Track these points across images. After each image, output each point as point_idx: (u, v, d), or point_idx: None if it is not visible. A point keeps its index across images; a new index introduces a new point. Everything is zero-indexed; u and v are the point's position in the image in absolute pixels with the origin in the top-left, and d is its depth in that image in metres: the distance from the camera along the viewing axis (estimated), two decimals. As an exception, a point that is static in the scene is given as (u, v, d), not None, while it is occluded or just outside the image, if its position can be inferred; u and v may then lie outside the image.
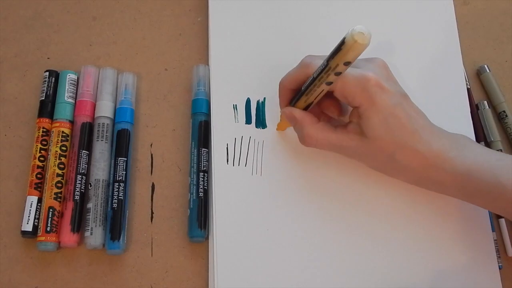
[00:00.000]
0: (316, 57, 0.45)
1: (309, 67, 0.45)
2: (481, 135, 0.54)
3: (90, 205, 0.48)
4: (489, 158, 0.44)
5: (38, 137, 0.50)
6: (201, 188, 0.49)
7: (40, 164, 0.49)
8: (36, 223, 0.47)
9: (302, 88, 0.46)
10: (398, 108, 0.44)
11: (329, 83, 0.43)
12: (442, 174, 0.44)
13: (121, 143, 0.50)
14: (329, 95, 0.46)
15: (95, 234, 0.47)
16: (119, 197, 0.48)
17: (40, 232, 0.47)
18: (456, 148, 0.44)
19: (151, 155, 0.52)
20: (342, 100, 0.46)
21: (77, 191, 0.48)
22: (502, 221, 0.52)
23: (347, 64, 0.40)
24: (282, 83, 0.48)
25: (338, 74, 0.41)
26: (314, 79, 0.43)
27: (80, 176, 0.49)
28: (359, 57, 0.40)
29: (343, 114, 0.48)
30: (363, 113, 0.44)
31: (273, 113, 0.52)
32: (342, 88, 0.44)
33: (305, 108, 0.47)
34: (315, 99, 0.45)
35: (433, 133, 0.45)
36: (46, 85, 0.52)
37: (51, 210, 0.47)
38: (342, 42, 0.39)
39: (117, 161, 0.49)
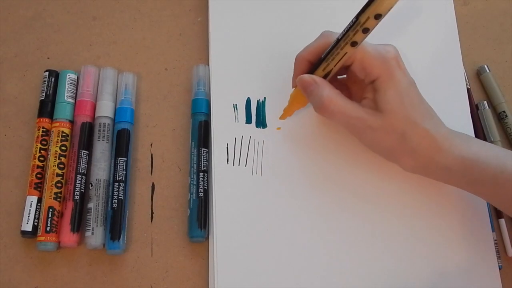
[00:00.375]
0: (335, 32, 0.45)
1: (330, 37, 0.45)
2: (481, 135, 0.54)
3: (91, 205, 0.48)
4: (494, 148, 0.46)
5: (38, 137, 0.50)
6: (201, 188, 0.49)
7: (40, 164, 0.49)
8: (36, 223, 0.47)
9: (322, 56, 0.46)
10: (411, 88, 0.45)
11: (355, 44, 0.43)
12: (449, 158, 0.44)
13: (121, 143, 0.50)
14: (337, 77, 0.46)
15: (96, 234, 0.47)
16: (119, 197, 0.48)
17: (40, 232, 0.47)
18: (461, 138, 0.46)
19: (151, 155, 0.52)
20: (359, 74, 0.46)
21: (77, 191, 0.48)
22: (502, 221, 0.52)
23: (378, 17, 0.40)
24: (299, 55, 0.48)
25: (366, 31, 0.42)
26: (338, 41, 0.43)
27: (80, 176, 0.49)
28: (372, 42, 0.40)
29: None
30: (380, 86, 0.45)
31: (273, 113, 0.52)
32: (362, 58, 0.45)
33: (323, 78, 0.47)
34: (335, 65, 0.45)
35: (440, 121, 0.46)
36: (46, 85, 0.52)
37: (51, 210, 0.47)
38: None
39: (117, 161, 0.49)
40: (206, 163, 0.50)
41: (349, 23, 0.42)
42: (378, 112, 0.45)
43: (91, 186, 0.49)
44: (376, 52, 0.45)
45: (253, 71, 0.53)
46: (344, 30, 0.43)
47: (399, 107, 0.44)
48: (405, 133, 0.45)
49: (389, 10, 0.40)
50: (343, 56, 0.44)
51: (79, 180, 0.49)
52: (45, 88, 0.52)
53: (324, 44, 0.46)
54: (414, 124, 0.44)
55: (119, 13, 0.57)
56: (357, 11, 0.42)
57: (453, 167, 0.45)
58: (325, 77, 0.46)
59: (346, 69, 0.47)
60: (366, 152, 0.50)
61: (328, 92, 0.45)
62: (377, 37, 0.44)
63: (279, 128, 0.52)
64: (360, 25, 0.41)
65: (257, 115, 0.52)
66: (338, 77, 0.50)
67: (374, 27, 0.42)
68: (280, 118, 0.51)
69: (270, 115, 0.52)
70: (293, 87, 0.50)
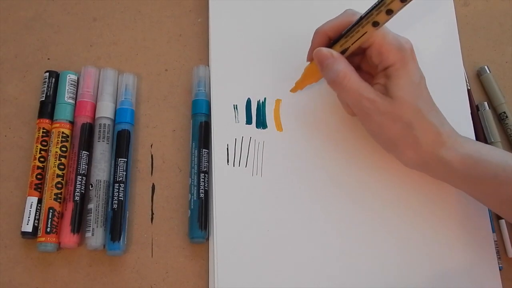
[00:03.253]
0: (359, 12, 0.46)
1: (353, 16, 0.46)
2: (481, 136, 0.54)
3: (91, 205, 0.48)
4: (495, 148, 0.47)
5: (38, 137, 0.50)
6: (202, 189, 0.49)
7: (40, 164, 0.49)
8: (36, 224, 0.47)
9: (342, 32, 0.46)
10: (422, 83, 0.46)
11: (376, 24, 0.43)
12: (452, 153, 0.45)
13: (121, 144, 0.50)
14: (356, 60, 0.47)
15: (97, 235, 0.47)
16: (119, 198, 0.48)
17: (40, 233, 0.47)
18: (464, 138, 0.46)
19: (152, 155, 0.52)
20: (374, 58, 0.46)
21: (77, 192, 0.48)
22: (503, 222, 0.52)
23: (404, 0, 0.41)
24: (318, 29, 0.48)
25: (389, 12, 0.42)
26: (361, 19, 0.44)
27: (80, 177, 0.49)
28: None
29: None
30: (393, 73, 0.45)
31: (273, 113, 0.52)
32: (380, 42, 0.45)
33: None
34: (353, 43, 0.45)
35: (445, 119, 0.47)
36: (46, 85, 0.52)
37: (51, 210, 0.47)
38: None
39: (117, 161, 0.49)
40: (207, 164, 0.50)
41: (375, 3, 0.43)
42: (389, 98, 0.45)
43: (91, 187, 0.49)
44: (394, 39, 0.45)
45: (253, 71, 0.53)
46: (368, 9, 0.43)
47: (409, 96, 0.45)
48: (411, 123, 0.45)
49: None
50: (363, 34, 0.45)
51: (79, 181, 0.49)
52: (45, 89, 0.52)
53: (346, 22, 0.46)
54: (421, 116, 0.45)
55: (119, 14, 0.57)
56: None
57: (455, 163, 0.45)
58: (341, 53, 0.47)
59: (361, 54, 0.48)
60: (366, 153, 0.51)
61: (344, 67, 0.46)
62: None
63: (280, 130, 0.52)
64: (385, 5, 0.42)
65: (257, 115, 0.52)
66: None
67: (399, 10, 0.42)
68: (291, 91, 0.52)
69: (271, 116, 0.52)
70: (308, 60, 0.50)
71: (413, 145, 0.45)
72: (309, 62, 0.50)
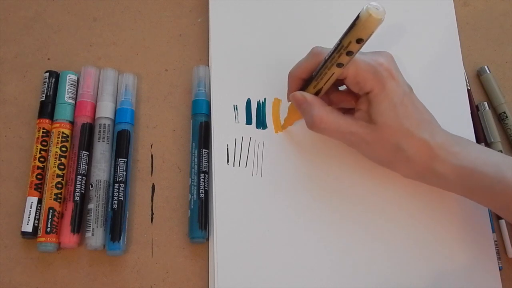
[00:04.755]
0: (325, 48, 0.46)
1: (319, 55, 0.45)
2: (481, 136, 0.54)
3: (91, 205, 0.48)
4: (492, 155, 0.46)
5: (38, 138, 0.50)
6: (202, 189, 0.49)
7: (40, 165, 0.49)
8: (36, 224, 0.47)
9: (313, 74, 0.46)
10: (406, 98, 0.45)
11: (340, 65, 0.43)
12: (446, 166, 0.44)
13: (121, 144, 0.50)
14: (338, 88, 0.47)
15: (96, 235, 0.47)
16: (119, 198, 0.48)
17: (40, 233, 0.47)
18: (460, 144, 0.45)
19: (152, 155, 0.52)
20: (353, 88, 0.46)
21: (77, 192, 0.48)
22: (503, 222, 0.52)
23: (360, 41, 0.41)
24: (291, 72, 0.48)
25: (350, 54, 0.42)
26: (325, 61, 0.44)
27: (80, 177, 0.49)
28: (366, 50, 0.41)
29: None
30: (373, 99, 0.45)
31: (272, 113, 0.52)
32: (354, 73, 0.44)
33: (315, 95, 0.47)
34: (324, 84, 0.46)
35: (437, 128, 0.46)
36: (46, 85, 0.52)
37: (51, 211, 0.47)
38: (357, 18, 0.40)
39: (117, 161, 0.49)
40: (207, 164, 0.50)
41: (334, 45, 0.43)
42: (372, 125, 0.45)
43: (91, 187, 0.49)
44: (368, 65, 0.44)
45: (254, 72, 0.53)
46: (330, 52, 0.43)
47: (392, 119, 0.44)
48: (399, 144, 0.45)
49: (370, 35, 0.40)
50: (331, 75, 0.44)
51: (79, 181, 0.49)
52: (45, 89, 0.52)
53: (314, 62, 0.46)
54: (408, 135, 0.44)
55: (119, 14, 0.57)
56: (356, 12, 0.42)
57: (450, 175, 0.45)
58: (317, 93, 0.47)
59: (341, 82, 0.47)
60: (366, 153, 0.50)
61: (317, 111, 0.46)
62: (377, 38, 0.44)
63: (279, 131, 0.52)
64: (343, 48, 0.42)
65: (257, 116, 0.52)
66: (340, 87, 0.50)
67: (358, 50, 0.42)
68: (282, 127, 0.52)
69: (271, 116, 0.52)
70: (288, 101, 0.50)
71: (405, 163, 0.46)
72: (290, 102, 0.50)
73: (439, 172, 0.45)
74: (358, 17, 0.40)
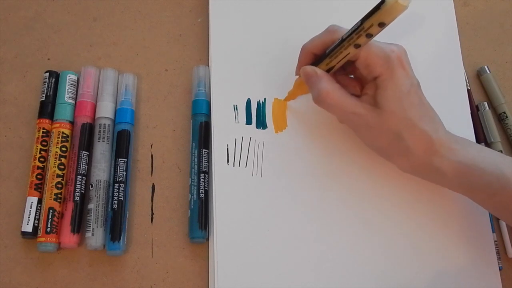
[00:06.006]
0: (341, 27, 0.46)
1: (335, 33, 0.46)
2: (481, 136, 0.54)
3: (91, 205, 0.48)
4: (492, 154, 0.46)
5: (38, 138, 0.50)
6: (202, 189, 0.49)
7: (40, 165, 0.49)
8: (36, 224, 0.47)
9: (326, 51, 0.46)
10: (413, 90, 0.45)
11: (357, 46, 0.43)
12: (445, 162, 0.44)
13: (121, 144, 0.50)
14: (348, 69, 0.48)
15: (96, 235, 0.47)
16: (119, 198, 0.48)
17: (40, 233, 0.47)
18: (459, 143, 0.45)
19: (152, 155, 0.52)
20: (362, 70, 0.46)
21: (77, 192, 0.48)
22: (503, 222, 0.52)
23: (382, 25, 0.41)
24: (304, 46, 0.48)
25: (369, 36, 0.42)
26: (342, 41, 0.44)
27: (80, 177, 0.49)
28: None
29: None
30: (380, 84, 0.45)
31: (272, 113, 0.52)
32: (366, 55, 0.45)
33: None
34: (337, 63, 0.46)
35: (440, 125, 0.46)
36: (46, 85, 0.52)
37: (51, 211, 0.47)
38: (382, 2, 0.39)
39: (117, 161, 0.49)
40: (207, 164, 0.50)
41: (354, 26, 0.43)
42: (377, 109, 0.45)
43: (91, 187, 0.49)
44: (380, 50, 0.45)
45: (254, 71, 0.53)
46: (349, 32, 0.43)
47: (397, 106, 0.44)
48: (400, 133, 0.45)
49: (393, 20, 0.40)
50: (346, 55, 0.45)
51: (80, 181, 0.49)
52: (45, 89, 0.52)
53: (329, 39, 0.46)
54: (411, 125, 0.44)
55: (119, 14, 0.57)
56: (357, 13, 0.42)
57: (448, 172, 0.45)
58: (328, 71, 0.47)
59: (351, 64, 0.48)
60: (366, 153, 0.50)
61: (326, 85, 0.46)
62: (377, 37, 0.44)
63: (280, 131, 0.52)
64: (364, 30, 0.42)
65: (257, 116, 0.52)
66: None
67: (378, 33, 0.42)
68: (284, 99, 0.52)
69: (271, 116, 0.52)
70: (296, 75, 0.50)
71: (404, 154, 0.46)
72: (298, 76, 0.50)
73: (438, 167, 0.45)
74: (383, 1, 0.39)
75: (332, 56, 0.45)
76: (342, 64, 0.46)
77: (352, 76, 0.49)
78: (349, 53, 0.44)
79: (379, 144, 0.47)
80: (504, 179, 0.43)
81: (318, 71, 0.46)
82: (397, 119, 0.44)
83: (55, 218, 0.47)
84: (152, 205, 0.50)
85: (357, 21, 0.42)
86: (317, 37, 0.48)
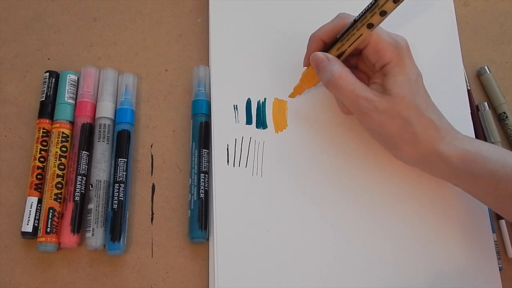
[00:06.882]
0: (350, 14, 0.46)
1: (346, 19, 0.46)
2: (481, 136, 0.54)
3: (91, 205, 0.48)
4: (495, 146, 0.47)
5: (38, 138, 0.50)
6: (202, 189, 0.49)
7: (40, 165, 0.49)
8: (36, 224, 0.47)
9: (338, 36, 0.46)
10: (419, 79, 0.46)
11: (371, 26, 0.44)
12: (451, 149, 0.45)
13: (121, 144, 0.50)
14: (352, 62, 0.48)
15: (97, 235, 0.47)
16: (120, 198, 0.48)
17: (40, 233, 0.47)
18: (463, 134, 0.47)
19: (152, 156, 0.52)
20: (371, 57, 0.47)
21: (77, 192, 0.48)
22: (502, 222, 0.52)
23: (396, 1, 0.42)
24: (314, 34, 0.49)
25: (383, 14, 0.43)
26: (355, 22, 0.44)
27: (80, 177, 0.49)
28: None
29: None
30: (390, 70, 0.45)
31: (272, 113, 0.52)
32: (376, 41, 0.46)
33: None
34: (349, 46, 0.46)
35: (443, 116, 0.47)
36: (46, 85, 0.52)
37: (51, 211, 0.47)
38: None
39: (118, 162, 0.49)
40: (207, 164, 0.50)
41: (368, 5, 0.43)
42: (386, 95, 0.45)
43: (92, 187, 0.49)
44: (390, 37, 0.46)
45: (254, 71, 0.53)
46: (362, 12, 0.44)
47: (407, 92, 0.45)
48: (409, 119, 0.45)
49: None
50: (358, 37, 0.45)
51: (80, 181, 0.49)
52: (45, 89, 0.52)
53: (339, 25, 0.47)
54: (419, 112, 0.45)
55: (119, 14, 0.57)
56: (356, 12, 0.42)
57: (454, 158, 0.45)
58: (338, 57, 0.47)
59: (358, 55, 0.48)
60: (366, 152, 0.51)
61: (339, 68, 0.46)
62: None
63: (280, 131, 0.52)
64: (378, 7, 0.42)
65: (257, 116, 0.52)
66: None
67: (392, 10, 0.43)
68: (290, 96, 0.52)
69: (271, 116, 0.52)
70: (304, 65, 0.50)
71: (412, 141, 0.46)
72: (305, 68, 0.50)
73: (444, 154, 0.45)
74: None
75: (343, 40, 0.46)
76: (353, 49, 0.46)
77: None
78: (361, 34, 0.45)
79: (387, 131, 0.46)
80: (509, 166, 0.43)
81: (330, 56, 0.47)
82: (407, 105, 0.45)
83: (55, 218, 0.47)
84: (152, 205, 0.50)
85: (371, 1, 0.43)
86: (327, 24, 0.48)
